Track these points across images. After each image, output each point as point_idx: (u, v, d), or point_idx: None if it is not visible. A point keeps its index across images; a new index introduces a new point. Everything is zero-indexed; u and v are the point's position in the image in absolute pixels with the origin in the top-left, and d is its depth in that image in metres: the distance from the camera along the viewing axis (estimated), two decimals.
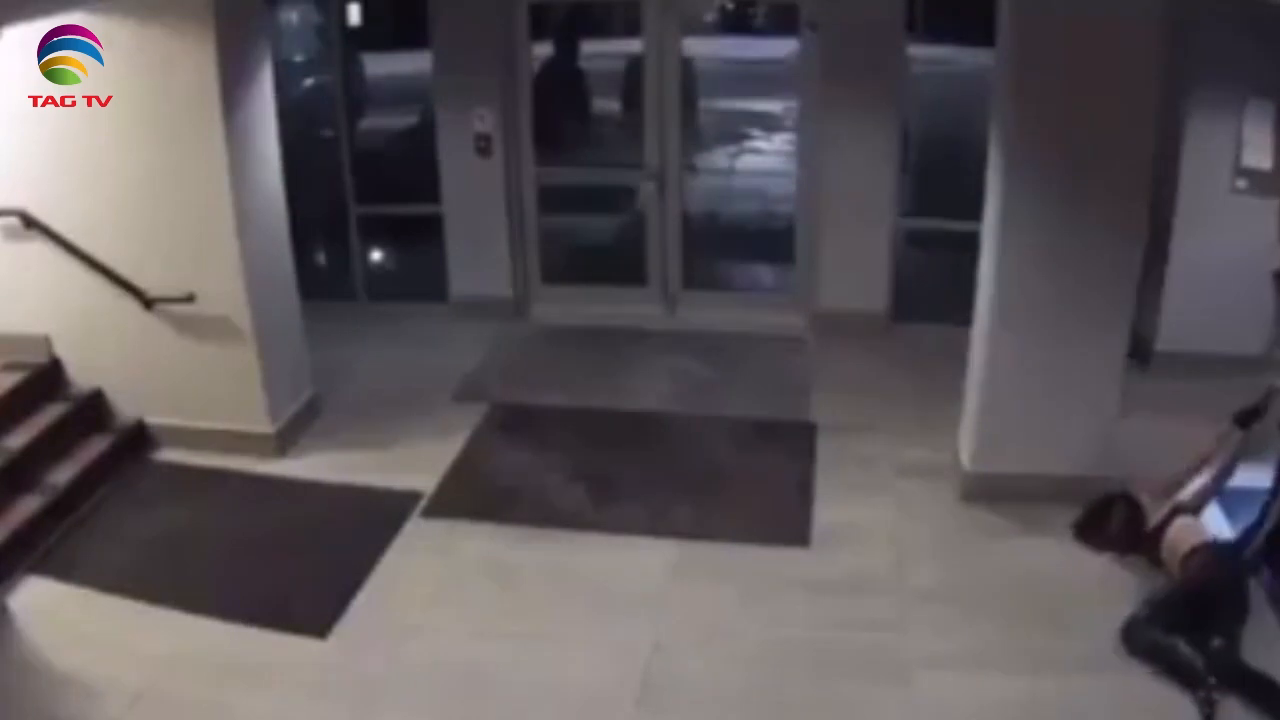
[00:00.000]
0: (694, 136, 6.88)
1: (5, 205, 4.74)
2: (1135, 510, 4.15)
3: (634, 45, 6.51)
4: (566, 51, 7.02)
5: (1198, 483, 4.13)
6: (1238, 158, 5.32)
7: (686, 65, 6.48)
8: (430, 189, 6.58)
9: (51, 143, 4.62)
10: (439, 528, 4.52)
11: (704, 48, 7.42)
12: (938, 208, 6.23)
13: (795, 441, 5.13)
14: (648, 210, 6.60)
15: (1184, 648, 3.53)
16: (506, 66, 6.36)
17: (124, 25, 4.38)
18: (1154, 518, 4.07)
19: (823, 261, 6.28)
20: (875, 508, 4.56)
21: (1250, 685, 3.43)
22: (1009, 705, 3.46)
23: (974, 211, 4.66)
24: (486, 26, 6.25)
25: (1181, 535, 3.95)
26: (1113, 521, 4.20)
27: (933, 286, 6.29)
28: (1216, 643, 3.54)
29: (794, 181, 6.51)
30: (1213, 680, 3.41)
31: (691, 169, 6.71)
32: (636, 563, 4.24)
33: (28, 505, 4.36)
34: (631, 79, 6.67)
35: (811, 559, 4.27)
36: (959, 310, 4.84)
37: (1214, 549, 3.90)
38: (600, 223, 7.41)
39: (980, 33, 4.63)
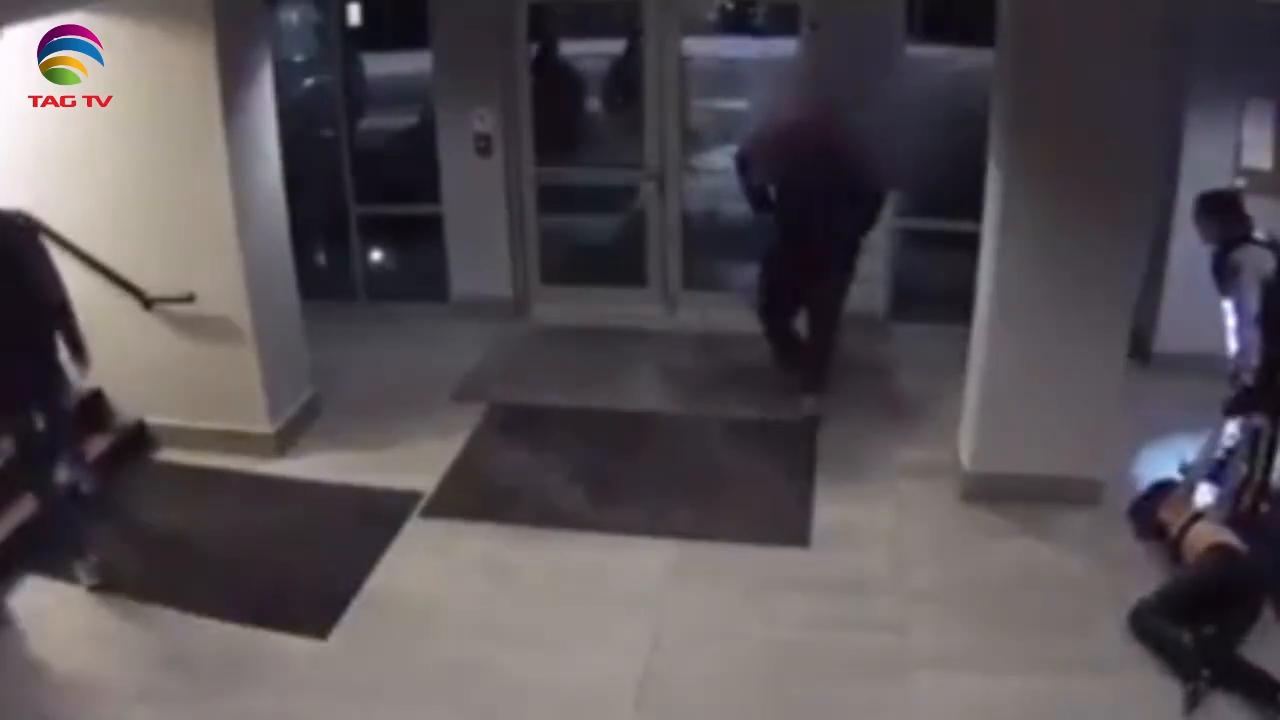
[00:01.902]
0: (690, 137, 6.88)
1: (5, 205, 4.73)
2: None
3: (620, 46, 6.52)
4: (549, 50, 7.02)
5: (1213, 489, 4.19)
6: (1238, 158, 5.32)
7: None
8: (430, 189, 6.59)
9: (51, 143, 4.62)
10: (439, 528, 4.52)
11: (704, 47, 7.41)
12: (936, 208, 6.23)
13: (795, 441, 5.13)
14: (648, 210, 6.61)
15: (1186, 639, 3.54)
16: (506, 66, 6.37)
17: (124, 25, 4.38)
18: (1174, 527, 4.08)
19: None
20: (875, 508, 4.56)
21: (1242, 678, 3.44)
22: (1009, 705, 3.46)
23: (971, 212, 4.67)
24: (486, 26, 6.25)
25: (1202, 535, 3.96)
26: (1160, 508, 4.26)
27: (933, 286, 6.30)
28: (1208, 630, 3.56)
29: None
30: (1206, 674, 3.42)
31: (690, 169, 6.72)
32: (636, 562, 4.24)
33: (28, 505, 4.36)
34: (614, 78, 6.69)
35: (811, 559, 4.27)
36: (958, 310, 4.85)
37: (1235, 549, 3.89)
38: (600, 223, 7.40)
39: (980, 32, 4.63)
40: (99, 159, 4.64)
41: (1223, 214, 4.26)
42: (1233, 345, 4.16)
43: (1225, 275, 4.18)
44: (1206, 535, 3.95)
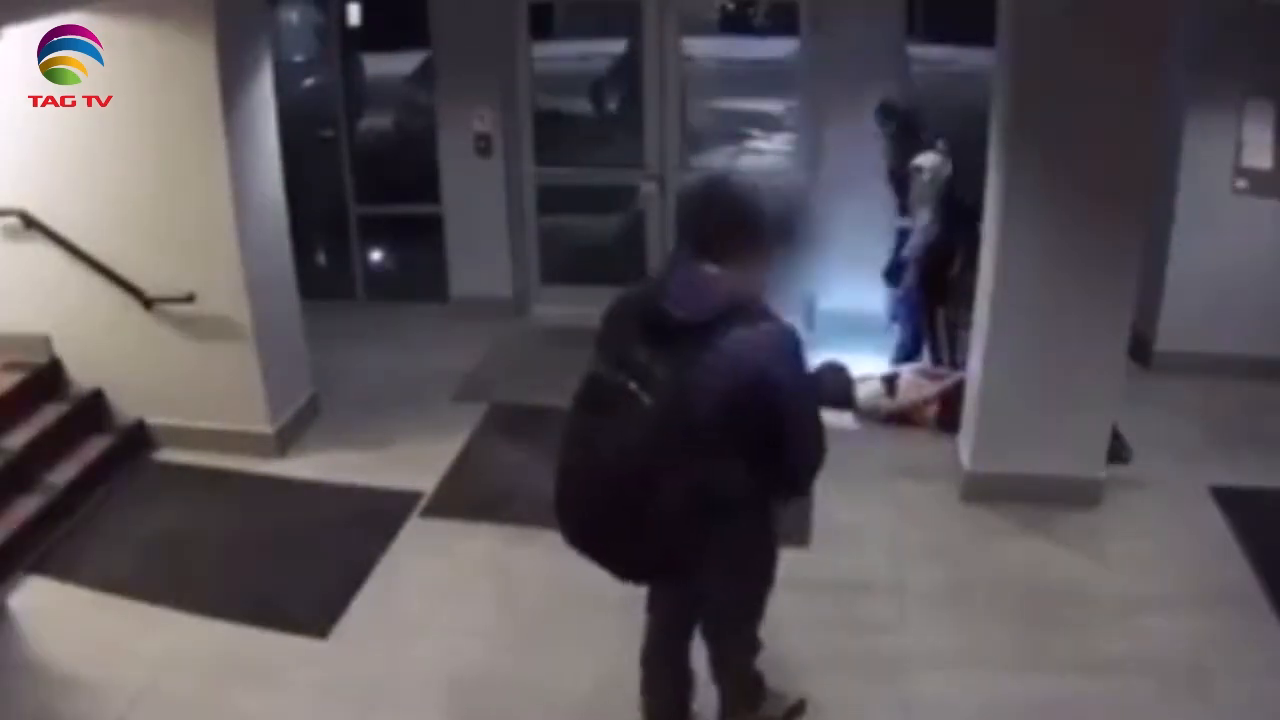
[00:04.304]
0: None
1: (5, 205, 4.74)
2: None
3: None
4: None
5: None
6: (1238, 158, 5.32)
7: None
8: (430, 189, 6.59)
9: (51, 143, 4.62)
10: (439, 528, 4.52)
11: (704, 48, 7.42)
12: None
13: None
14: (648, 210, 6.60)
15: None
16: (506, 66, 6.37)
17: (124, 25, 4.38)
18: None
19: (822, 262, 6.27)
20: (875, 508, 4.56)
21: None
22: (1008, 705, 3.45)
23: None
24: (486, 26, 6.25)
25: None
26: None
27: None
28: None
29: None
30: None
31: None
32: None
33: (28, 505, 4.36)
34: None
35: (811, 559, 4.26)
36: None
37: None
38: (600, 223, 7.40)
39: (980, 33, 4.64)
40: (99, 159, 4.64)
41: (906, 130, 5.27)
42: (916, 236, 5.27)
43: (908, 182, 5.26)
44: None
